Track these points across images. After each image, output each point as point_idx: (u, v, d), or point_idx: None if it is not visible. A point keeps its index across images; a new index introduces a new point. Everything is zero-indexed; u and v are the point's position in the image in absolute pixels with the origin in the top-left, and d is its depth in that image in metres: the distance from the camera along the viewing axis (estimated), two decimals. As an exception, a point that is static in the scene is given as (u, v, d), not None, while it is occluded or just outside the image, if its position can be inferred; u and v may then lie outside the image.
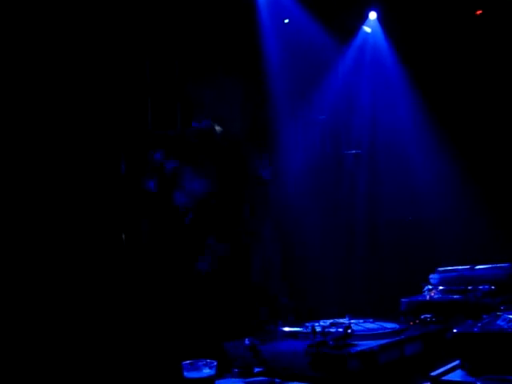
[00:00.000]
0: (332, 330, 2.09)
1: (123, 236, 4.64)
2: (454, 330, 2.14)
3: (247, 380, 2.06)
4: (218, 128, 2.95)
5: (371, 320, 2.47)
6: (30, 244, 3.89)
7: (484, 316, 2.36)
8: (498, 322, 2.21)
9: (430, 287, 3.32)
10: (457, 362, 2.15)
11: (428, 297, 3.22)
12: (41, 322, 3.81)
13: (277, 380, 2.02)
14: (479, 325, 2.18)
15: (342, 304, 4.45)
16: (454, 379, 2.03)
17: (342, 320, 2.30)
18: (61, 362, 3.80)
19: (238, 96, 5.00)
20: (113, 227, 4.56)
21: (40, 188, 4.01)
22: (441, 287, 3.25)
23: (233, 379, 2.12)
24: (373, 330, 2.28)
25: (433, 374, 2.10)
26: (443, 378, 2.07)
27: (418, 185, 6.48)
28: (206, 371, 2.02)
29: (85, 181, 4.28)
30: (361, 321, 2.44)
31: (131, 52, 4.70)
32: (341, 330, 2.06)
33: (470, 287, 3.09)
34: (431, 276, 3.35)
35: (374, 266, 6.24)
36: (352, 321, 2.32)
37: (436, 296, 3.18)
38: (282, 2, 5.57)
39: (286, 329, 2.24)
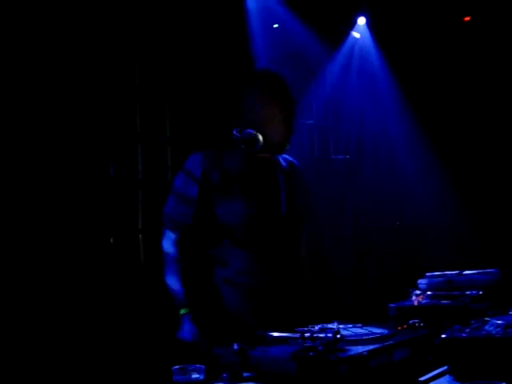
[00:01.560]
0: (321, 335, 2.08)
1: (111, 240, 4.63)
2: (442, 336, 2.15)
3: (237, 385, 2.07)
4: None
5: (360, 325, 2.47)
6: (18, 246, 3.88)
7: (472, 321, 2.37)
8: (486, 328, 2.22)
9: (418, 292, 3.33)
10: (445, 368, 2.16)
11: (416, 302, 3.23)
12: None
13: (266, 385, 2.02)
14: (467, 330, 2.19)
15: (328, 309, 4.46)
16: (441, 385, 2.04)
17: (330, 325, 2.30)
18: (50, 364, 3.80)
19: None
20: (102, 231, 4.56)
21: (28, 191, 4.00)
22: (429, 292, 3.26)
23: (223, 384, 2.13)
24: (362, 335, 2.29)
25: (421, 379, 2.11)
26: (431, 383, 2.08)
27: (406, 190, 6.52)
28: (195, 376, 2.02)
29: (73, 184, 4.28)
30: (349, 326, 2.44)
31: (120, 53, 4.71)
32: (330, 335, 2.06)
33: (457, 292, 3.10)
34: (419, 281, 3.36)
35: (361, 272, 6.27)
36: (341, 326, 2.32)
37: (424, 301, 3.18)
38: (272, 7, 5.58)
39: (275, 334, 2.24)
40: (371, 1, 6.56)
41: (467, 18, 6.84)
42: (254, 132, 2.96)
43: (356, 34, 6.84)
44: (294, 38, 5.86)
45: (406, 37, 6.75)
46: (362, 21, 6.77)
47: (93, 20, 4.40)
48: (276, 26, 5.90)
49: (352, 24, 6.77)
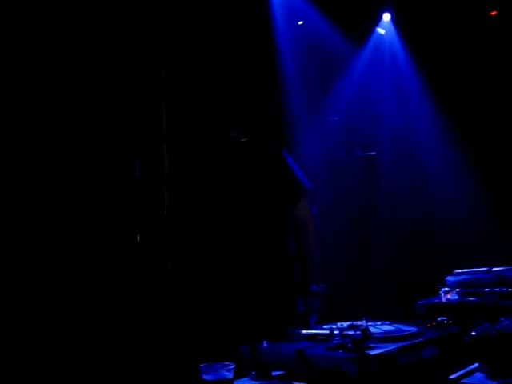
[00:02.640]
0: (350, 332, 2.08)
1: (138, 238, 4.65)
2: (472, 333, 2.13)
3: (265, 383, 2.07)
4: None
5: (388, 322, 2.46)
6: (39, 246, 3.91)
7: (501, 318, 2.35)
8: (517, 325, 2.20)
9: (447, 289, 3.31)
10: (476, 365, 2.14)
11: (444, 299, 3.21)
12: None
13: (295, 383, 2.02)
14: (497, 327, 2.17)
15: (357, 306, 4.44)
16: (473, 382, 2.02)
17: (359, 322, 2.29)
18: (68, 363, 3.82)
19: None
20: (127, 230, 4.58)
21: (53, 191, 4.03)
22: (457, 289, 3.24)
23: (251, 381, 2.13)
24: (390, 332, 2.28)
25: (451, 376, 2.09)
26: (462, 380, 2.05)
27: (432, 187, 6.47)
28: (224, 373, 2.02)
29: (99, 184, 4.30)
30: (378, 323, 2.43)
31: (147, 54, 4.72)
32: (359, 332, 2.05)
33: (487, 289, 3.07)
34: (447, 278, 3.34)
35: (390, 268, 6.23)
36: (369, 323, 2.31)
37: (453, 298, 3.17)
38: (296, 3, 5.57)
39: (305, 331, 2.24)
40: (396, -3, 6.53)
41: (494, 13, 6.77)
42: None
43: (381, 30, 6.80)
44: (319, 35, 5.84)
45: (432, 32, 6.69)
46: (387, 17, 6.74)
47: (119, 20, 4.43)
48: (301, 22, 5.88)
49: (377, 20, 6.73)
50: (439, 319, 2.53)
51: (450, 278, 3.33)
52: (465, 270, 3.35)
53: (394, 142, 6.76)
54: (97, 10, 4.26)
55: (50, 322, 3.85)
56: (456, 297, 3.18)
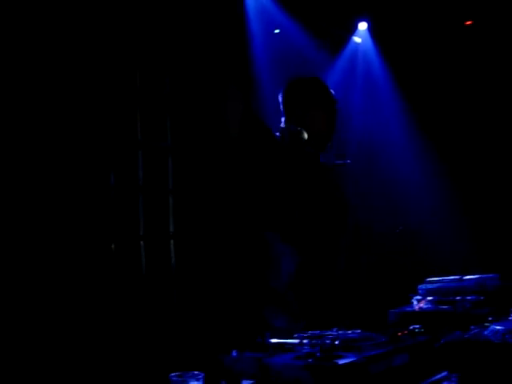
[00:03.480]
0: (319, 341, 2.08)
1: (112, 246, 4.63)
2: (442, 341, 2.15)
3: (234, 392, 2.06)
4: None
5: (359, 331, 2.46)
6: (18, 252, 3.88)
7: (472, 327, 2.37)
8: (486, 333, 2.22)
9: (419, 298, 3.33)
10: (444, 374, 2.16)
11: (417, 307, 3.23)
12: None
13: (264, 392, 2.02)
14: (466, 336, 2.19)
15: (329, 315, 4.44)
16: (441, 391, 2.03)
17: (329, 332, 2.30)
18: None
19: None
20: (103, 237, 4.55)
21: (28, 198, 4.00)
22: (429, 298, 3.26)
23: (220, 391, 2.12)
24: (361, 341, 2.28)
25: (420, 385, 2.11)
26: (431, 389, 2.08)
27: (407, 195, 6.50)
28: (193, 383, 2.01)
29: (73, 191, 4.27)
30: (349, 332, 2.43)
31: (121, 59, 4.71)
32: (328, 341, 2.05)
33: (458, 298, 3.10)
34: (420, 287, 3.36)
35: (362, 278, 6.25)
36: (340, 332, 2.32)
37: (425, 307, 3.18)
38: (272, 12, 5.58)
39: (274, 340, 2.24)
40: (372, 6, 6.55)
41: (469, 23, 6.83)
42: (299, 128, 3.12)
43: (357, 39, 6.84)
44: (295, 43, 5.85)
45: (408, 42, 6.74)
46: (363, 26, 6.77)
47: (93, 26, 4.40)
48: (277, 31, 5.89)
49: (353, 29, 6.77)
50: (411, 327, 2.53)
51: (421, 287, 3.35)
52: (436, 279, 3.37)
53: (368, 151, 6.78)
54: (69, 15, 4.24)
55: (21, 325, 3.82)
56: (428, 305, 3.20)
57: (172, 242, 5.01)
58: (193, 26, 5.04)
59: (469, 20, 6.83)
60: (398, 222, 6.57)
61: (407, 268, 5.75)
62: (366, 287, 6.11)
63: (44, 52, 4.11)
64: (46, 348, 3.88)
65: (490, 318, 2.54)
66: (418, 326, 2.51)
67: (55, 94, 4.19)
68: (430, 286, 3.31)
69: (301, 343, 2.12)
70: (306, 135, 3.16)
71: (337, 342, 2.05)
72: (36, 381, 3.72)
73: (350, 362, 1.99)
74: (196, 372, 2.04)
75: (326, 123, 3.31)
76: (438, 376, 2.16)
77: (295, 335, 2.25)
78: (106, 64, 4.54)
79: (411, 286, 3.40)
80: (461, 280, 3.28)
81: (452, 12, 6.63)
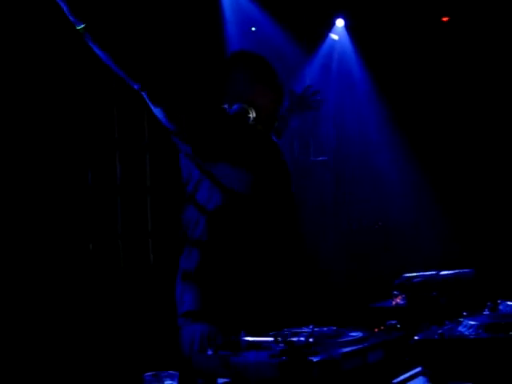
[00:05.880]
0: (294, 338, 2.08)
1: (90, 246, 4.62)
2: (416, 337, 2.16)
3: (210, 391, 2.06)
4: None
5: (335, 328, 2.46)
6: None
7: (446, 322, 2.38)
8: (459, 329, 2.23)
9: (396, 293, 3.34)
10: (418, 369, 2.17)
11: (394, 303, 3.24)
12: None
13: (239, 390, 2.01)
14: (440, 331, 2.19)
15: (309, 312, 4.46)
16: (414, 386, 2.04)
17: (305, 329, 2.30)
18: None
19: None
20: (81, 237, 4.54)
21: (5, 198, 3.98)
22: (406, 293, 3.27)
23: (195, 391, 2.11)
24: (336, 337, 2.28)
25: (394, 381, 2.11)
26: (405, 384, 2.08)
27: (386, 191, 6.53)
28: (168, 383, 2.01)
29: (51, 191, 4.26)
30: (324, 329, 2.43)
31: (97, 58, 4.68)
32: (303, 338, 2.05)
33: (434, 293, 3.11)
34: (396, 282, 3.37)
35: (344, 273, 6.27)
36: (315, 329, 2.32)
37: (401, 302, 3.20)
38: (248, 10, 5.57)
39: (249, 338, 2.24)
40: (349, 3, 6.57)
41: (445, 19, 6.86)
42: (246, 105, 3.00)
43: (334, 36, 6.84)
44: (272, 41, 5.85)
45: (385, 38, 6.76)
46: (340, 23, 6.79)
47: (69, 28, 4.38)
48: (254, 29, 5.89)
49: (330, 26, 6.78)
50: (388, 323, 2.54)
51: (398, 282, 3.36)
52: (414, 274, 3.38)
53: (346, 148, 6.81)
54: (47, 14, 4.22)
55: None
56: (405, 301, 3.21)
57: (150, 240, 5.01)
58: (169, 23, 5.03)
59: (446, 16, 6.86)
60: (378, 218, 6.60)
61: (390, 263, 5.77)
62: (350, 283, 6.14)
63: (20, 51, 4.09)
64: (22, 345, 3.87)
65: (464, 313, 2.55)
66: (394, 322, 2.52)
67: (31, 93, 4.17)
68: (406, 281, 3.33)
69: (276, 341, 2.12)
70: (253, 113, 3.03)
71: (311, 340, 2.05)
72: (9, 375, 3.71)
73: (324, 358, 1.99)
74: (171, 372, 2.04)
75: (273, 100, 3.13)
76: (413, 372, 2.16)
77: (270, 333, 2.25)
78: (82, 62, 4.52)
79: (392, 282, 3.42)
80: (437, 275, 3.29)
81: (429, 8, 6.66)
